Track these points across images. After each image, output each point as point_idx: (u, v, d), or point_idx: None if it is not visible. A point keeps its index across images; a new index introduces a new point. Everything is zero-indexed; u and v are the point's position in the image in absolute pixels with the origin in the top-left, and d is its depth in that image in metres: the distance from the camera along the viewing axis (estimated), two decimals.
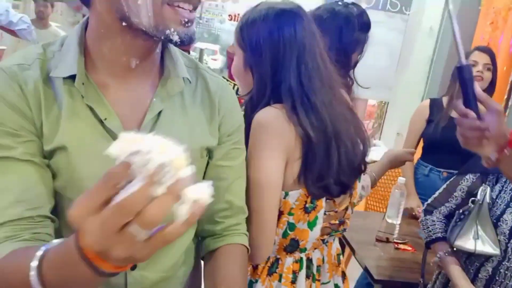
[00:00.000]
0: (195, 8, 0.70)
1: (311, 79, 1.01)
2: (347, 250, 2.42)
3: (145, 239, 0.43)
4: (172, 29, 0.68)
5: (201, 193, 0.43)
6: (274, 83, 1.02)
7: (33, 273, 0.52)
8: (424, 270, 1.49)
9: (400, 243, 1.87)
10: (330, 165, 0.99)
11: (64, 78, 0.70)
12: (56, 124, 0.70)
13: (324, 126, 0.99)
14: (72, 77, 0.70)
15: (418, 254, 1.77)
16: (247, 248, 0.89)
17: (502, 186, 1.27)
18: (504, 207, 1.23)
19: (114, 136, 0.73)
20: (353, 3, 1.51)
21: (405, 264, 1.72)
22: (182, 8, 0.68)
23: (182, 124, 0.79)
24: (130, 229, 0.42)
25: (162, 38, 0.69)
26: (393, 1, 3.85)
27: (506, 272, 1.19)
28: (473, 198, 1.34)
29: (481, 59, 2.26)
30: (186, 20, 0.69)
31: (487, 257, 1.22)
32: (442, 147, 2.34)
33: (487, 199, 1.24)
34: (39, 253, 0.53)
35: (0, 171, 0.64)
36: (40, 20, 3.99)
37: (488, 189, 1.27)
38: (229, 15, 3.84)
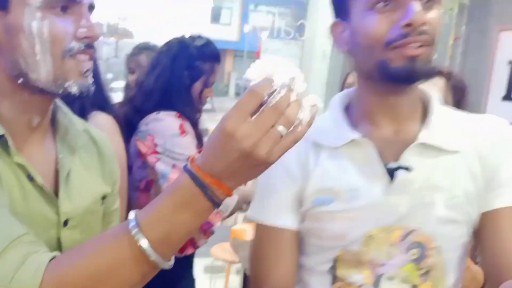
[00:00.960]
0: (92, 58, 0.69)
1: None
2: None
3: (281, 138, 0.53)
4: (72, 81, 0.67)
5: (315, 100, 0.55)
6: None
7: (135, 231, 0.54)
8: None
9: None
10: None
11: None
12: None
13: None
14: None
15: None
16: None
17: None
18: None
19: (42, 193, 0.71)
20: (199, 36, 1.54)
21: None
22: (83, 58, 0.67)
23: (86, 176, 0.79)
24: (278, 127, 0.52)
25: (60, 92, 0.67)
26: (286, 29, 4.03)
27: None
28: None
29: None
30: (86, 69, 0.68)
31: None
32: None
33: None
34: (131, 216, 0.56)
35: None
36: None
37: None
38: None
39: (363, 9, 0.70)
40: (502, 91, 2.21)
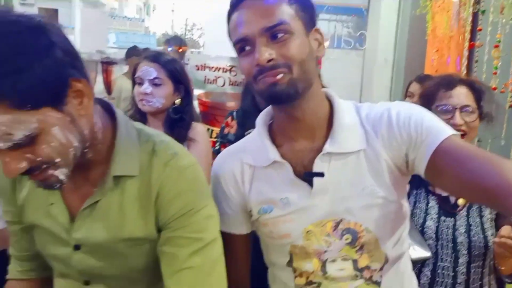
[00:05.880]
0: None
1: None
2: None
3: None
4: None
5: None
6: None
7: None
8: None
9: None
10: None
11: None
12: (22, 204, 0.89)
13: None
14: None
15: None
16: None
17: (415, 198, 1.37)
18: (424, 215, 1.34)
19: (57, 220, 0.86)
20: None
21: None
22: None
23: (115, 216, 0.84)
24: None
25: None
26: (346, 39, 4.13)
27: (443, 271, 1.31)
28: None
29: (416, 89, 2.44)
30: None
31: (423, 262, 1.33)
32: None
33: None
34: None
35: None
36: None
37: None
38: (196, 66, 4.10)
39: (238, 54, 0.87)
40: None
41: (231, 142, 2.21)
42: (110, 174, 0.82)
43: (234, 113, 2.31)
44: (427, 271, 1.32)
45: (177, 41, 4.29)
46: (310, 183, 0.88)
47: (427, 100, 1.40)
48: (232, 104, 3.65)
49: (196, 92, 4.94)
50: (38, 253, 0.94)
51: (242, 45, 0.84)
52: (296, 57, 0.81)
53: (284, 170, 0.90)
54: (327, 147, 0.87)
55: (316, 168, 0.88)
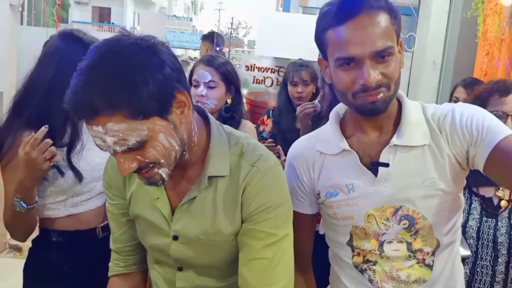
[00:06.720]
0: None
1: None
2: None
3: None
4: None
5: None
6: None
7: None
8: None
9: None
10: None
11: None
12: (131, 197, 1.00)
13: None
14: None
15: None
16: None
17: None
18: (466, 215, 1.39)
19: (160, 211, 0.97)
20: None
21: None
22: None
23: (209, 211, 0.94)
24: None
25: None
26: None
27: (482, 269, 1.36)
28: None
29: (461, 94, 2.36)
30: None
31: (463, 261, 1.36)
32: None
33: None
34: None
35: None
36: None
37: None
38: (246, 66, 4.18)
39: (333, 65, 0.92)
40: None
41: (265, 139, 2.32)
42: (205, 175, 0.92)
43: (270, 111, 2.40)
44: (466, 269, 1.36)
45: (222, 40, 4.35)
46: (375, 172, 0.97)
47: (479, 104, 1.32)
48: (273, 104, 3.74)
49: (243, 91, 5.07)
50: (139, 245, 1.07)
51: (346, 61, 0.88)
52: (395, 75, 0.89)
53: (352, 159, 0.99)
54: (394, 140, 0.94)
55: (383, 158, 0.96)
